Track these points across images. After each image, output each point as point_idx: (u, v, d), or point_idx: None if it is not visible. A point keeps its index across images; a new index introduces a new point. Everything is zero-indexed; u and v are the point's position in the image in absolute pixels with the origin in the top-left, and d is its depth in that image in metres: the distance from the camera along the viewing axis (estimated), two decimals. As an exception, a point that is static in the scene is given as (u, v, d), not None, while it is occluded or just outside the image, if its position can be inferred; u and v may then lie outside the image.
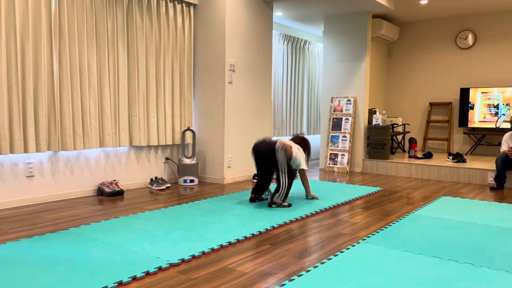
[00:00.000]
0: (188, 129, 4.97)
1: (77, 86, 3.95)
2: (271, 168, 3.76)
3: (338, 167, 6.14)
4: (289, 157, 3.70)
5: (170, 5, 4.77)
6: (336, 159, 6.18)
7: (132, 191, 4.46)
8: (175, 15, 4.86)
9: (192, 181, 4.89)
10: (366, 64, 6.07)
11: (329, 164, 6.23)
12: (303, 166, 3.78)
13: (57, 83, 3.82)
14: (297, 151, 3.77)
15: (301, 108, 7.30)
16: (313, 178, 5.52)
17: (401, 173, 5.74)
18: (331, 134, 6.28)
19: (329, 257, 2.44)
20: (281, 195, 3.69)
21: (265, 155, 3.72)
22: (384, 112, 6.55)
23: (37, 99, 3.69)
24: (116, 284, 2.00)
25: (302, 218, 3.35)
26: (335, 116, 6.28)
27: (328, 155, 6.26)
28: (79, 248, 2.50)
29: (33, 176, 3.78)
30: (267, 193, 4.04)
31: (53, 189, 3.92)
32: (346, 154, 6.10)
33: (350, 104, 6.16)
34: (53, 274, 2.09)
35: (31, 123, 3.63)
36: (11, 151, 3.54)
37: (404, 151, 7.12)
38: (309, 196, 4.06)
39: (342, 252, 2.54)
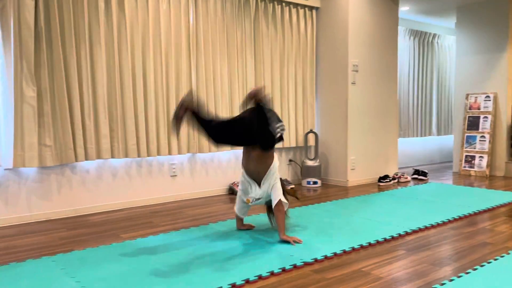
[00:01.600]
0: (311, 131, 5.03)
1: (211, 94, 4.30)
2: None
3: (475, 171, 5.59)
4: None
5: (294, 10, 4.90)
6: (473, 162, 5.63)
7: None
8: (298, 20, 4.97)
9: (315, 182, 4.94)
10: (507, 55, 5.42)
11: (464, 167, 5.71)
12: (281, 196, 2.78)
13: (195, 91, 4.21)
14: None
15: (430, 107, 6.82)
16: (447, 182, 5.12)
17: (555, 178, 4.99)
18: (466, 135, 5.75)
19: (474, 267, 2.25)
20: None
21: None
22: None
23: (178, 107, 4.12)
24: (256, 277, 2.13)
25: (438, 224, 3.14)
26: (471, 115, 5.73)
27: (464, 157, 5.73)
28: (222, 242, 2.72)
29: (176, 175, 4.22)
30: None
31: (192, 187, 4.33)
32: (485, 156, 5.52)
33: (490, 100, 5.56)
34: (203, 263, 2.31)
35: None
36: (158, 153, 4.01)
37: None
38: (282, 238, 2.74)
39: (489, 262, 2.32)
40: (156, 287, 2.02)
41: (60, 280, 2.13)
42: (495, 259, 2.36)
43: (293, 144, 5.03)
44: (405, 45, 6.39)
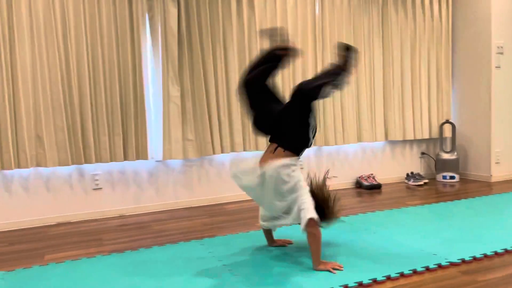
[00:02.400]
0: (447, 121, 4.64)
1: (337, 86, 4.25)
2: None
3: None
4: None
5: (425, -8, 4.56)
6: None
7: (389, 185, 4.49)
8: (431, 3, 4.61)
9: (452, 177, 4.56)
10: None
11: None
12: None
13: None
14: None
15: None
16: None
17: None
18: None
19: None
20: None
21: None
22: None
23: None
24: (398, 274, 2.06)
25: None
26: None
27: None
28: (355, 236, 2.69)
29: (302, 168, 4.29)
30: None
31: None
32: None
33: None
34: (334, 258, 2.31)
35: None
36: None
37: None
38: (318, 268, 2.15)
39: None
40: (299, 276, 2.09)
41: (210, 262, 2.33)
42: None
43: (426, 136, 4.70)
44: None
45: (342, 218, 2.66)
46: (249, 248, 2.53)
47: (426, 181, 4.50)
